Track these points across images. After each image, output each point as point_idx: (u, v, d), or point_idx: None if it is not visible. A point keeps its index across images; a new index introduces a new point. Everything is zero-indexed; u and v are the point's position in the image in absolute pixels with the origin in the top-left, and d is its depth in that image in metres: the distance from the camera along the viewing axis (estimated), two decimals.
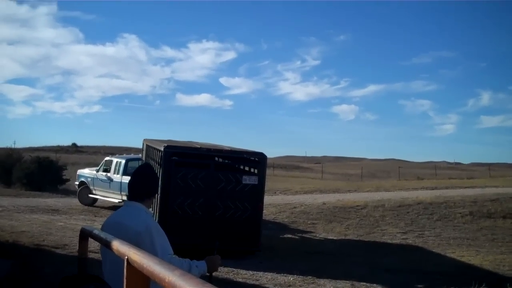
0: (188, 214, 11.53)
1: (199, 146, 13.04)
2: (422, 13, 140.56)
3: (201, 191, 11.71)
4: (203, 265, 3.29)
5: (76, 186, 21.13)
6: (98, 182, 19.58)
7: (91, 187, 19.97)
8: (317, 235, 16.04)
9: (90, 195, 19.96)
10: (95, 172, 20.14)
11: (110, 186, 18.81)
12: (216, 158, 13.61)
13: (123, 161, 18.99)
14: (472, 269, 11.66)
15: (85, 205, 19.78)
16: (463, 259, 12.94)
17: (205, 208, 11.69)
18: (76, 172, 22.28)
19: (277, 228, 16.45)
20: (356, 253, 13.43)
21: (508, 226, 17.70)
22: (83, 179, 20.62)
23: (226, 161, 13.85)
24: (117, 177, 18.67)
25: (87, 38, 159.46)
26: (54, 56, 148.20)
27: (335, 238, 15.69)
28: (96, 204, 20.29)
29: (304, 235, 16.03)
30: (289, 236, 15.74)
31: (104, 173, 19.42)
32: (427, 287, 9.73)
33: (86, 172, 21.01)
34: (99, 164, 21.28)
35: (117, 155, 21.64)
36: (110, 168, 19.38)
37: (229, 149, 13.32)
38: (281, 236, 15.37)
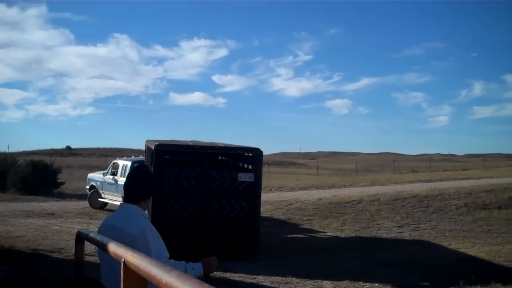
0: (181, 215, 11.14)
1: (191, 144, 12.58)
2: (412, 4, 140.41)
3: (194, 191, 11.31)
4: (199, 267, 3.27)
5: (87, 190, 21.06)
6: (106, 185, 19.50)
7: (100, 191, 19.90)
8: (318, 232, 16.07)
9: (100, 199, 19.83)
10: (103, 175, 20.08)
11: (117, 189, 18.71)
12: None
13: (129, 164, 18.86)
14: (468, 260, 11.71)
15: (95, 209, 19.70)
16: (459, 251, 12.99)
17: (199, 208, 11.31)
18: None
19: (274, 225, 16.46)
20: (353, 248, 13.47)
21: (503, 217, 17.78)
22: (93, 183, 20.58)
23: (221, 157, 13.19)
24: (123, 180, 18.59)
25: (78, 39, 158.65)
26: (46, 59, 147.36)
27: (333, 234, 15.73)
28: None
29: (310, 233, 16.05)
30: (289, 234, 15.75)
31: (111, 177, 19.30)
32: (423, 280, 9.77)
33: (96, 176, 20.97)
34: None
35: (124, 158, 21.56)
36: (117, 171, 19.28)
37: (223, 145, 12.83)
38: (284, 236, 15.38)
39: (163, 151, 11.58)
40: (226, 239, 10.63)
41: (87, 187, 21.09)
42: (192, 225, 11.12)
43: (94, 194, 20.19)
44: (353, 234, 15.54)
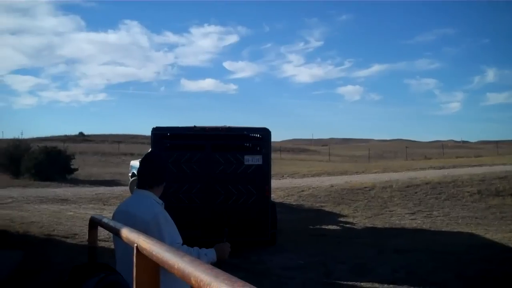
0: (184, 203, 10.44)
1: (192, 126, 11.47)
2: None
3: (197, 176, 10.61)
4: (212, 253, 3.28)
5: (129, 177, 21.15)
6: None
7: None
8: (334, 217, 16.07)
9: None
10: None
11: None
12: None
13: None
14: (482, 247, 11.66)
15: None
16: (472, 238, 12.94)
17: (203, 195, 10.64)
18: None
19: (285, 211, 16.46)
20: (365, 235, 13.46)
21: None
22: (134, 171, 20.66)
23: (224, 141, 11.56)
24: None
25: (89, 26, 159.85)
26: (57, 45, 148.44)
27: (346, 220, 15.72)
28: (104, 192, 20.41)
29: (321, 220, 16.04)
30: (302, 221, 15.77)
31: None
32: (436, 267, 9.75)
33: (136, 164, 21.04)
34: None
35: None
36: None
37: (227, 127, 11.81)
38: (296, 222, 15.40)
39: (161, 135, 10.91)
40: (234, 228, 9.51)
41: (129, 174, 21.11)
42: (195, 214, 10.49)
43: (134, 181, 20.23)
44: (366, 221, 15.52)
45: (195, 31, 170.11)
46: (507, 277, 9.18)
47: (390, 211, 16.85)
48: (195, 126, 11.22)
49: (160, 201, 3.40)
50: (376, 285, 8.65)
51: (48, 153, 27.56)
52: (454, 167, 27.34)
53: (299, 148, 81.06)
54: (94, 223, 2.93)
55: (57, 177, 26.25)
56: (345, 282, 8.86)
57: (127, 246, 2.17)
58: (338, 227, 14.65)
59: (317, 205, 18.01)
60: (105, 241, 9.38)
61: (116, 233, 2.37)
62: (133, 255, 1.94)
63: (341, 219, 15.85)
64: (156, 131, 10.81)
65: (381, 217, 16.07)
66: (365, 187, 19.78)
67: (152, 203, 3.30)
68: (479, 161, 31.32)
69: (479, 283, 8.90)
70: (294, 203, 18.30)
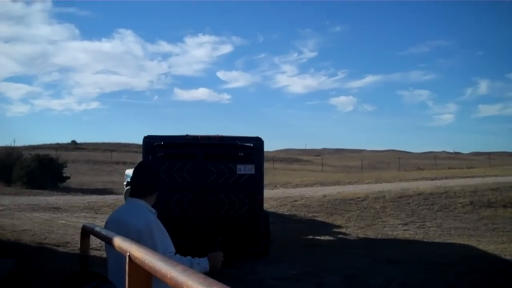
0: (175, 212, 10.31)
1: (184, 135, 11.29)
2: (417, 2, 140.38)
3: (189, 186, 10.50)
4: (205, 262, 3.27)
5: (124, 186, 21.13)
6: None
7: None
8: (337, 227, 16.06)
9: None
10: None
11: None
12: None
13: None
14: (474, 258, 11.67)
15: None
16: (464, 249, 12.96)
17: (195, 204, 10.51)
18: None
19: (278, 221, 16.43)
20: (357, 245, 13.45)
21: (509, 215, 17.71)
22: (129, 179, 20.58)
23: (217, 150, 11.46)
24: None
25: (83, 34, 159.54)
26: (51, 53, 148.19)
27: (337, 231, 15.71)
28: (96, 200, 20.32)
29: (314, 230, 16.03)
30: (295, 230, 15.75)
31: None
32: (429, 278, 9.75)
33: (131, 172, 20.95)
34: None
35: None
36: None
37: (219, 136, 11.55)
38: (289, 232, 15.38)
39: (153, 144, 10.80)
40: (227, 239, 9.30)
41: (124, 183, 21.12)
42: (187, 223, 10.35)
43: (129, 190, 20.22)
44: (358, 231, 15.51)
45: (189, 40, 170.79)
46: None
47: (383, 221, 16.87)
48: (187, 135, 11.10)
49: (153, 210, 3.40)
50: None
51: (40, 161, 27.47)
52: (446, 178, 27.44)
53: (292, 158, 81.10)
54: (86, 232, 2.92)
55: (49, 185, 26.15)
56: None
57: (120, 255, 2.16)
58: (331, 237, 14.64)
59: (310, 215, 18.00)
60: (97, 249, 9.33)
61: (109, 241, 2.36)
62: (125, 264, 1.93)
63: (334, 229, 15.84)
64: (148, 139, 10.71)
65: (373, 227, 16.08)
66: (358, 198, 19.80)
67: (145, 211, 3.30)
68: (472, 173, 31.47)
69: None
70: (287, 213, 18.28)
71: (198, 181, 10.55)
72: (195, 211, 10.53)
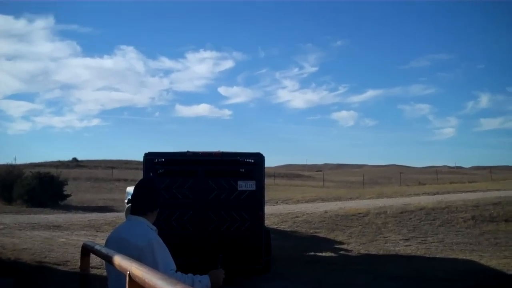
0: (176, 230, 10.27)
1: (185, 152, 11.20)
2: (418, 16, 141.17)
3: (189, 203, 10.47)
4: (206, 279, 3.26)
5: (125, 204, 21.15)
6: None
7: None
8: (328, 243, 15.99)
9: None
10: None
11: None
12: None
13: None
14: (477, 273, 11.62)
15: None
16: (467, 264, 12.89)
17: (195, 221, 10.47)
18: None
19: (280, 237, 16.38)
20: (359, 261, 13.39)
21: (511, 229, 17.64)
22: (129, 197, 20.66)
23: (218, 166, 11.38)
24: None
25: (84, 51, 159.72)
26: (53, 70, 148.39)
27: (339, 247, 15.65)
28: (97, 218, 20.29)
29: (316, 246, 15.97)
30: (296, 247, 15.69)
31: None
32: None
33: (132, 189, 20.99)
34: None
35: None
36: None
37: (220, 152, 11.43)
38: (291, 249, 15.33)
39: (154, 160, 10.75)
40: (227, 256, 9.18)
41: (125, 201, 21.16)
42: (188, 241, 10.29)
43: (130, 208, 20.30)
44: (360, 247, 15.45)
45: (191, 56, 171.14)
46: None
47: (385, 237, 16.80)
48: (188, 152, 11.08)
49: (154, 227, 3.39)
50: None
51: (41, 179, 27.43)
52: (448, 192, 27.38)
53: (293, 173, 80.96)
54: (87, 250, 2.91)
55: (49, 203, 26.09)
56: None
57: (120, 274, 2.16)
58: (332, 254, 14.58)
59: (311, 231, 17.94)
60: (97, 268, 9.29)
61: (109, 260, 2.36)
62: (126, 283, 1.93)
63: (336, 245, 15.78)
64: (148, 156, 10.70)
65: (375, 243, 16.02)
66: (359, 213, 19.75)
67: (146, 229, 3.29)
68: (473, 187, 31.38)
69: None
70: (288, 230, 18.22)
71: (199, 198, 10.53)
72: (196, 228, 10.47)
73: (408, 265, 12.79)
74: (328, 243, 16.04)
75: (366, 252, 14.83)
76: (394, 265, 12.69)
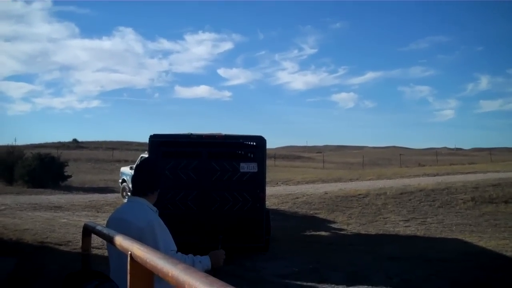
0: (180, 209, 10.62)
1: (189, 134, 11.54)
2: None
3: (193, 183, 10.76)
4: (206, 260, 3.28)
5: (119, 184, 21.36)
6: None
7: (130, 185, 20.01)
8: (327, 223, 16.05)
9: (129, 193, 20.10)
10: (130, 169, 20.33)
11: None
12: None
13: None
14: (476, 254, 11.69)
15: None
16: (466, 245, 12.96)
17: (199, 202, 10.79)
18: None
19: (280, 218, 16.44)
20: (359, 242, 13.46)
21: (510, 211, 17.71)
22: (124, 177, 20.89)
23: (220, 149, 11.66)
24: None
25: (83, 33, 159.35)
26: (51, 52, 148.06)
27: (339, 227, 15.72)
28: (98, 199, 20.37)
29: (317, 226, 16.03)
30: (297, 228, 15.76)
31: None
32: (430, 274, 9.75)
33: (126, 170, 21.22)
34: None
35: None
36: None
37: (223, 135, 11.86)
38: (291, 229, 15.39)
39: (159, 142, 10.98)
40: (230, 235, 9.85)
41: (120, 180, 21.38)
42: (192, 220, 10.64)
43: (125, 187, 20.59)
44: (360, 228, 15.52)
45: (190, 38, 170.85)
46: (501, 285, 9.20)
47: (384, 218, 16.87)
48: (191, 134, 11.36)
49: (154, 208, 3.39)
50: None
51: (41, 160, 27.47)
52: (448, 174, 27.43)
53: (294, 155, 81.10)
54: (88, 231, 2.92)
55: (50, 184, 26.16)
56: None
57: (121, 254, 2.16)
58: (332, 234, 14.65)
59: (311, 212, 18.01)
60: (98, 248, 9.34)
61: (110, 240, 2.36)
62: (127, 263, 1.94)
63: (335, 226, 15.85)
64: (154, 138, 10.94)
65: (375, 224, 16.09)
66: (359, 194, 19.81)
67: (146, 210, 3.29)
68: (473, 168, 31.43)
69: None
70: (288, 210, 18.29)
71: (203, 179, 10.83)
72: (199, 208, 10.79)
73: (407, 245, 12.86)
74: (328, 224, 16.11)
75: (365, 232, 14.90)
76: (393, 246, 12.76)
